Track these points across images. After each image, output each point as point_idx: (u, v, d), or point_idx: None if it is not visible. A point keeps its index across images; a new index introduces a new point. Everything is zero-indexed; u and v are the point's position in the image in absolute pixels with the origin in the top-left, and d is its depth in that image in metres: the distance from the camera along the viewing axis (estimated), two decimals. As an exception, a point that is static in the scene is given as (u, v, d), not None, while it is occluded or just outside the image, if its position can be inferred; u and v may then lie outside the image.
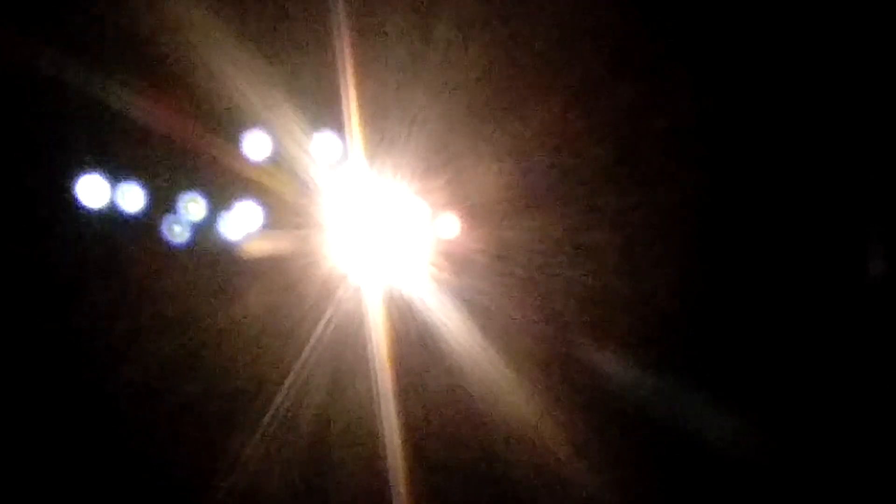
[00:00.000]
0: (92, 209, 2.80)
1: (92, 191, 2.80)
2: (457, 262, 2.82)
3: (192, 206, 2.82)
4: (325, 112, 2.77)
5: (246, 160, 2.81)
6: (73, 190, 2.79)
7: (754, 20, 2.82)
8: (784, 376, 2.91)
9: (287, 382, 2.72)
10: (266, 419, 2.72)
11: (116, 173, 2.81)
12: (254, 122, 2.79)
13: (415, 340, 2.79)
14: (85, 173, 2.79)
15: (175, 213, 2.82)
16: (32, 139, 2.73)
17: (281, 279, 2.78)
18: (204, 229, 2.83)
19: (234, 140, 2.80)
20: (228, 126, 2.79)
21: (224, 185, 2.81)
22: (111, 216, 2.81)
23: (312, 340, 2.73)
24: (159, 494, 2.74)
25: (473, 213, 2.84)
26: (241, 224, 2.81)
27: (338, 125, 2.76)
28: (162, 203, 2.82)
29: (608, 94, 2.82)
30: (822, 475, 2.81)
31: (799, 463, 2.87)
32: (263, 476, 2.73)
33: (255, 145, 2.80)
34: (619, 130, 2.83)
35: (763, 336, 2.87)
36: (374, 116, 2.76)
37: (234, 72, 2.73)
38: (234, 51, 2.71)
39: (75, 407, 2.73)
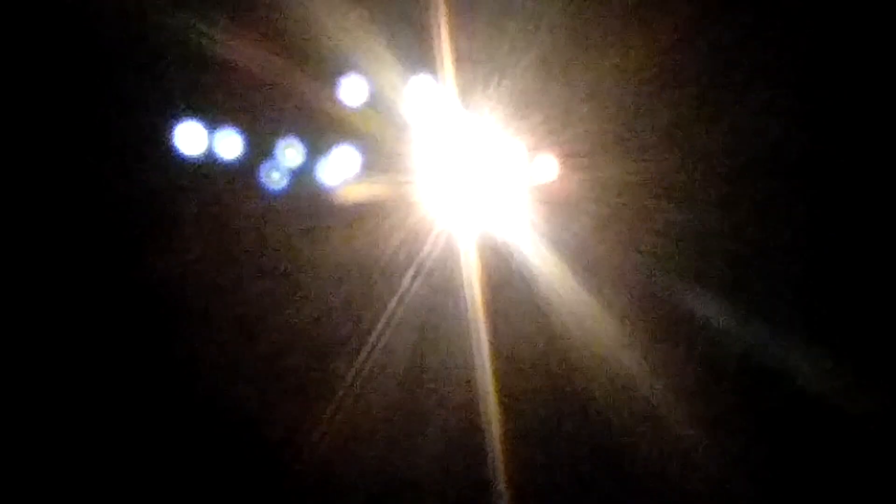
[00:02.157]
0: (190, 156, 2.83)
1: (190, 138, 2.82)
2: (552, 204, 2.81)
3: (290, 152, 2.83)
4: (420, 56, 2.75)
5: (343, 105, 2.81)
6: (172, 137, 2.80)
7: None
8: (882, 322, 2.86)
9: (379, 326, 2.73)
10: (359, 363, 2.74)
11: (214, 120, 2.82)
12: (350, 67, 2.78)
13: (509, 284, 2.79)
14: (183, 120, 2.81)
15: (273, 159, 2.83)
16: (130, 86, 2.75)
17: (378, 224, 2.79)
18: (301, 175, 2.84)
19: (330, 85, 2.80)
20: (325, 71, 2.79)
21: (321, 130, 2.82)
22: (209, 163, 2.83)
23: (406, 284, 2.74)
24: (259, 435, 2.79)
25: (569, 156, 2.81)
26: (339, 169, 2.82)
27: (433, 68, 2.74)
28: (259, 149, 2.84)
29: (708, 32, 2.76)
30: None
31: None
32: (358, 417, 2.76)
33: (351, 90, 2.80)
34: (719, 70, 2.78)
35: (860, 282, 2.82)
36: (469, 59, 2.74)
37: (329, 17, 2.72)
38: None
39: (172, 350, 2.78)
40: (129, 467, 2.74)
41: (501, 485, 2.81)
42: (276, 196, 2.85)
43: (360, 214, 2.81)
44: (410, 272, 2.76)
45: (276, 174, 2.83)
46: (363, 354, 2.76)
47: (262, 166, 2.84)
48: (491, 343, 2.76)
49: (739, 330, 2.81)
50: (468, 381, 2.77)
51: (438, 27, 2.71)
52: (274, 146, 2.83)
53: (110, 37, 2.72)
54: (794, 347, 2.81)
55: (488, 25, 2.73)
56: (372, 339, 2.76)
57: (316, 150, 2.83)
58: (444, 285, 2.78)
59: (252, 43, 2.75)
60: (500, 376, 2.78)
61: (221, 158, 2.84)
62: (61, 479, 2.72)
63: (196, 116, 2.82)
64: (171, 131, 2.82)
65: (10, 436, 2.71)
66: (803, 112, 2.76)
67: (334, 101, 2.80)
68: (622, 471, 2.83)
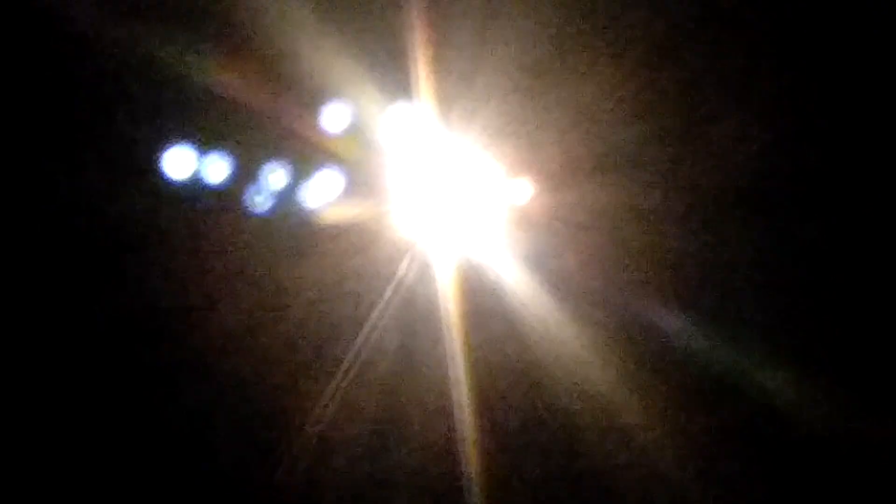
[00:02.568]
0: (177, 180, 2.93)
1: (178, 162, 2.93)
2: (527, 226, 2.88)
3: (274, 176, 2.93)
4: (399, 83, 2.86)
5: (325, 131, 2.91)
6: (161, 162, 2.91)
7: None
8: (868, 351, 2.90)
9: (359, 339, 2.81)
10: (339, 376, 2.81)
11: (202, 146, 2.93)
12: (332, 95, 2.89)
13: (483, 300, 2.86)
14: (172, 146, 2.92)
15: (258, 182, 2.93)
16: (122, 113, 2.87)
17: (357, 244, 2.88)
18: (285, 198, 2.93)
19: (313, 112, 2.91)
20: (308, 99, 2.90)
21: (304, 155, 2.92)
22: (196, 187, 2.93)
23: (385, 300, 2.82)
24: (249, 437, 2.86)
25: (544, 179, 2.90)
26: (321, 192, 2.92)
27: (411, 95, 2.85)
28: (245, 173, 2.94)
29: (676, 64, 2.86)
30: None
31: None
32: (337, 426, 2.82)
33: (333, 117, 2.91)
34: (687, 98, 2.87)
35: (830, 298, 2.88)
36: (447, 86, 2.84)
37: (312, 47, 2.83)
38: (310, 27, 2.82)
39: (165, 362, 2.85)
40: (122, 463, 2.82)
41: (474, 480, 2.86)
42: (261, 217, 2.94)
43: (341, 234, 2.90)
44: (389, 289, 2.84)
45: (261, 197, 2.93)
46: (345, 366, 2.83)
47: (247, 189, 2.93)
48: (465, 354, 2.83)
49: (703, 340, 2.86)
50: (444, 390, 2.83)
51: (416, 55, 2.82)
52: (259, 170, 2.93)
53: (101, 66, 2.84)
54: (756, 356, 2.86)
55: (465, 53, 2.84)
56: (353, 351, 2.83)
57: (299, 173, 2.92)
58: (421, 301, 2.85)
59: (239, 72, 2.87)
60: (474, 385, 2.84)
61: (208, 182, 2.94)
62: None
63: (184, 142, 2.93)
64: (160, 156, 2.93)
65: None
66: (773, 138, 2.83)
67: (317, 127, 2.91)
68: (589, 471, 2.88)
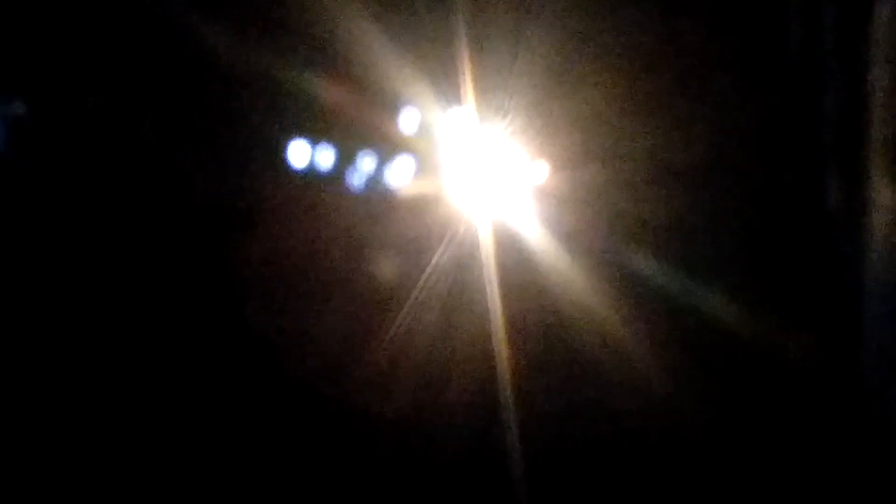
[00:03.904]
0: (298, 167, 4.05)
1: (298, 152, 4.05)
2: (545, 198, 3.85)
3: (366, 162, 4.01)
4: (452, 94, 3.88)
5: (401, 129, 3.97)
6: (286, 152, 4.04)
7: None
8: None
9: (414, 293, 3.83)
10: (404, 312, 3.84)
11: (315, 140, 4.05)
12: (405, 102, 3.95)
13: (515, 258, 3.84)
14: (293, 140, 4.05)
15: (355, 167, 4.02)
16: (254, 117, 4.02)
17: (423, 211, 3.92)
18: (373, 178, 4.01)
19: (393, 115, 3.97)
20: (389, 105, 3.97)
21: (386, 146, 3.99)
22: (312, 171, 4.05)
23: (440, 253, 3.84)
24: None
25: (561, 161, 3.86)
26: (398, 174, 3.98)
27: (461, 102, 3.87)
28: (346, 160, 4.03)
29: (657, 74, 3.75)
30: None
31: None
32: (398, 358, 3.84)
33: (406, 118, 3.96)
34: (665, 100, 3.75)
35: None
36: (485, 95, 3.84)
37: (392, 67, 3.90)
38: (389, 50, 3.89)
39: (283, 298, 3.97)
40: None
41: (512, 424, 3.80)
42: (357, 194, 4.03)
43: (412, 205, 3.95)
44: (444, 243, 3.86)
45: (356, 178, 4.01)
46: (408, 305, 3.87)
47: (346, 173, 4.03)
48: (500, 292, 3.80)
49: (677, 283, 3.72)
50: (484, 322, 3.81)
51: (465, 73, 3.83)
52: (355, 158, 4.02)
53: (242, 84, 3.99)
54: (718, 296, 3.70)
55: (498, 69, 3.83)
56: (414, 294, 3.86)
57: (383, 160, 3.99)
58: (466, 253, 3.85)
59: (340, 86, 3.96)
60: (507, 319, 3.81)
61: (319, 167, 4.05)
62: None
63: (303, 137, 4.05)
64: (285, 148, 4.06)
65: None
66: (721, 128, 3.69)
67: (396, 126, 3.97)
68: (593, 384, 3.77)
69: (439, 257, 3.88)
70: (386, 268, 3.96)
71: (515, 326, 3.83)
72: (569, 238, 3.81)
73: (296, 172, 4.06)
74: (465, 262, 3.89)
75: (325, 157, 4.06)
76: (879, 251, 3.30)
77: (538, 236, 3.84)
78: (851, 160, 3.44)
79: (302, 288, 3.95)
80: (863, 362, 3.43)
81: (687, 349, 3.74)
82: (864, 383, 3.45)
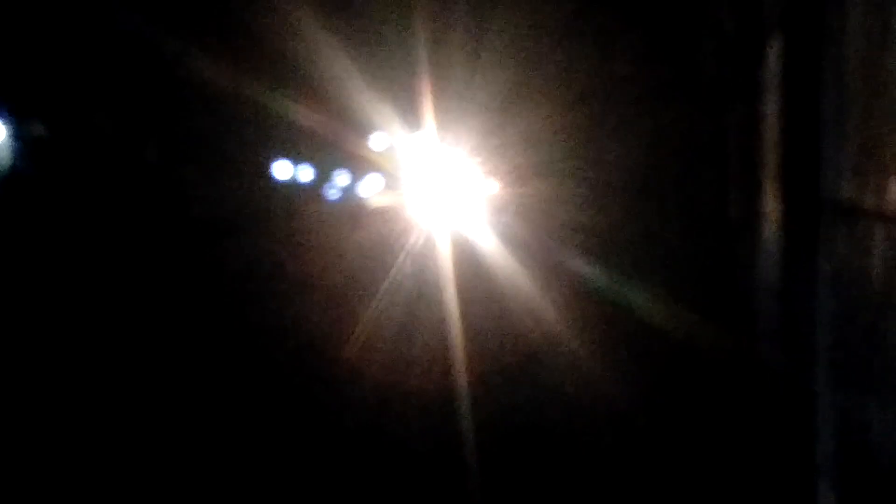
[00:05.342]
0: (282, 180, 4.66)
1: (282, 169, 4.66)
2: (496, 209, 4.45)
3: (340, 178, 4.62)
4: (415, 118, 4.49)
5: (371, 149, 4.58)
6: (271, 169, 4.64)
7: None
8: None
9: (384, 285, 4.41)
10: (371, 309, 4.42)
11: (296, 158, 4.65)
12: (375, 127, 4.56)
13: (467, 257, 4.43)
14: (277, 159, 4.65)
15: (330, 181, 4.63)
16: (244, 138, 4.62)
17: (388, 220, 4.52)
18: (347, 191, 4.62)
19: (364, 137, 4.58)
20: (361, 128, 4.57)
21: (359, 164, 4.59)
22: (293, 184, 4.65)
23: (403, 255, 4.44)
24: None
25: (512, 177, 4.46)
26: (369, 187, 4.58)
27: (422, 126, 4.47)
28: (323, 176, 4.64)
29: (593, 100, 4.37)
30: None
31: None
32: (366, 350, 4.42)
33: (376, 140, 4.57)
34: (598, 124, 4.36)
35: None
36: (444, 119, 4.45)
37: (362, 97, 4.50)
38: (362, 83, 4.49)
39: (273, 290, 4.55)
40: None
41: (466, 411, 4.38)
42: (333, 203, 4.63)
43: (379, 214, 4.55)
44: (406, 248, 4.46)
45: (332, 190, 4.62)
46: (375, 302, 4.46)
47: (323, 186, 4.63)
48: (458, 300, 4.39)
49: (612, 282, 4.32)
50: (441, 327, 4.40)
51: (426, 98, 4.44)
52: (331, 174, 4.62)
53: (234, 113, 4.59)
54: (646, 293, 4.29)
55: (456, 96, 4.44)
56: (379, 292, 4.45)
57: (356, 176, 4.60)
58: (425, 256, 4.45)
59: (319, 112, 4.57)
60: (462, 315, 4.40)
61: (300, 181, 4.65)
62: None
63: (286, 156, 4.65)
64: (271, 165, 4.66)
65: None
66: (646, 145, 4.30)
67: (366, 146, 4.58)
68: (543, 372, 4.36)
69: (402, 261, 4.47)
70: (356, 269, 4.56)
71: (470, 323, 4.42)
72: (518, 245, 4.41)
73: (280, 186, 4.66)
74: (426, 265, 4.48)
75: (306, 174, 4.66)
76: (770, 255, 3.90)
77: (491, 244, 4.44)
78: (748, 179, 4.05)
79: (281, 287, 4.54)
80: (758, 345, 4.02)
81: (621, 342, 4.34)
82: (759, 362, 4.03)
